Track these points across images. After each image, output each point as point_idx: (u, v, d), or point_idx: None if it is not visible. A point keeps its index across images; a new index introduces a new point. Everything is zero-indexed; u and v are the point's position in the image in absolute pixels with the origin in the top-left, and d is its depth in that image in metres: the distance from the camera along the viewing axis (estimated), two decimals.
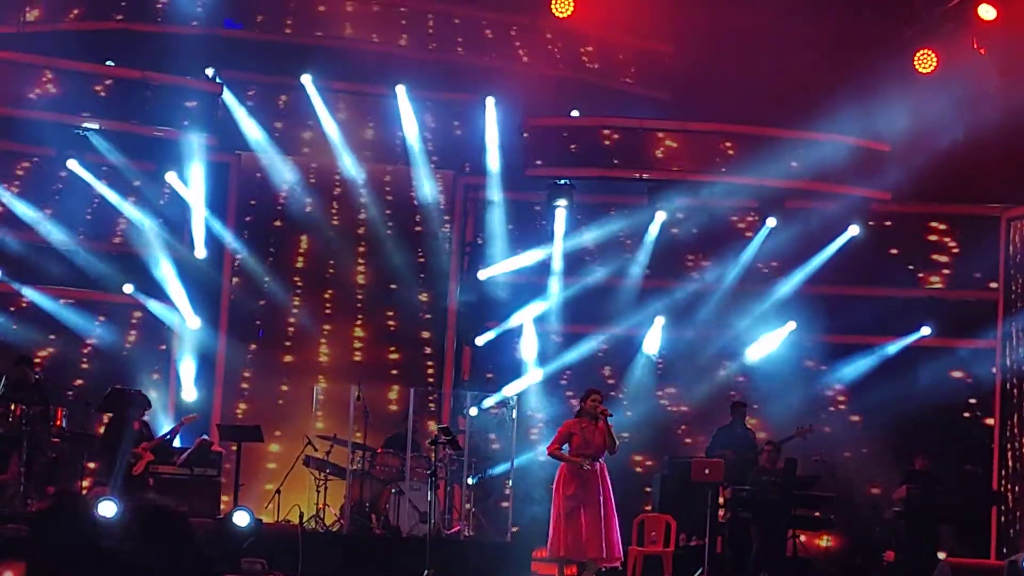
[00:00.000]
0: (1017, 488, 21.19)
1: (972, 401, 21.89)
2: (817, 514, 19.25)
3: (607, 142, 22.30)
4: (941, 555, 18.45)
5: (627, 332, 22.15)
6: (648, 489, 21.27)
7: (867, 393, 21.68)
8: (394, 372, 22.17)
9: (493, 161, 22.16)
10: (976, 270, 22.20)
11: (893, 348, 21.92)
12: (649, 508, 20.41)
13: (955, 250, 22.37)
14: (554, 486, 16.19)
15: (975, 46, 21.37)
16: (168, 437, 19.37)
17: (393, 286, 22.25)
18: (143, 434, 18.88)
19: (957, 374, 21.91)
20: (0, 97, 21.03)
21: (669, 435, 22.03)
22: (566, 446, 16.16)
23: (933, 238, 22.48)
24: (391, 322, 22.34)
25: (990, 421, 21.75)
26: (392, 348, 22.34)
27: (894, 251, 22.41)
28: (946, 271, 22.34)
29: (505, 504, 20.24)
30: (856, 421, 21.88)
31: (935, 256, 22.39)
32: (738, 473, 18.94)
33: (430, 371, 22.32)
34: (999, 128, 20.29)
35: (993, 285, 22.09)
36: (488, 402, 21.45)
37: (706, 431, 21.40)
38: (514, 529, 19.76)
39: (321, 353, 22.13)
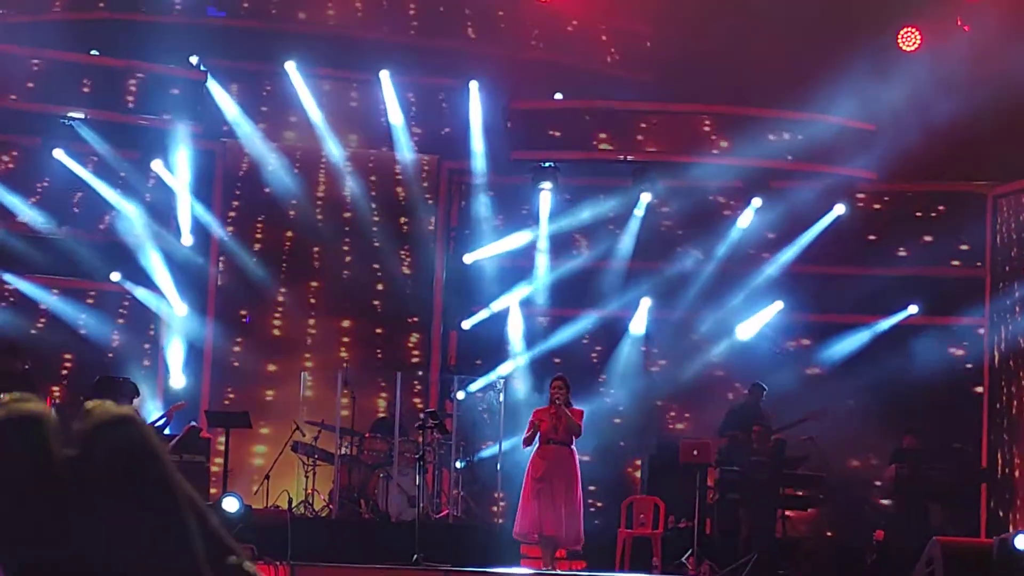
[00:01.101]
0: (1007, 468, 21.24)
1: (967, 365, 21.90)
2: (804, 493, 19.32)
3: (591, 124, 22.27)
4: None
5: (614, 314, 22.15)
6: (637, 472, 21.31)
7: (855, 372, 21.67)
8: (379, 355, 22.22)
9: (477, 145, 22.15)
10: (963, 248, 22.19)
11: (881, 327, 21.92)
12: (638, 490, 20.46)
13: (942, 228, 22.33)
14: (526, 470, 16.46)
15: (959, 23, 21.36)
16: (158, 424, 19.39)
17: (378, 271, 22.27)
18: None
19: (951, 351, 21.92)
20: None
21: (657, 417, 22.04)
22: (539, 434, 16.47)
23: (919, 216, 22.47)
24: (377, 307, 22.33)
25: (979, 388, 21.79)
26: (378, 332, 22.36)
27: (880, 229, 22.41)
28: (933, 249, 22.30)
29: (500, 499, 20.24)
30: (844, 401, 21.83)
31: (922, 234, 22.35)
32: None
33: (416, 356, 22.35)
34: (984, 106, 20.26)
35: (979, 263, 22.09)
36: (475, 386, 21.48)
37: (694, 412, 21.46)
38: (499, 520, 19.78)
39: (307, 340, 22.13)
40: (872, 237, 22.38)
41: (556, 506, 16.08)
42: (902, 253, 22.22)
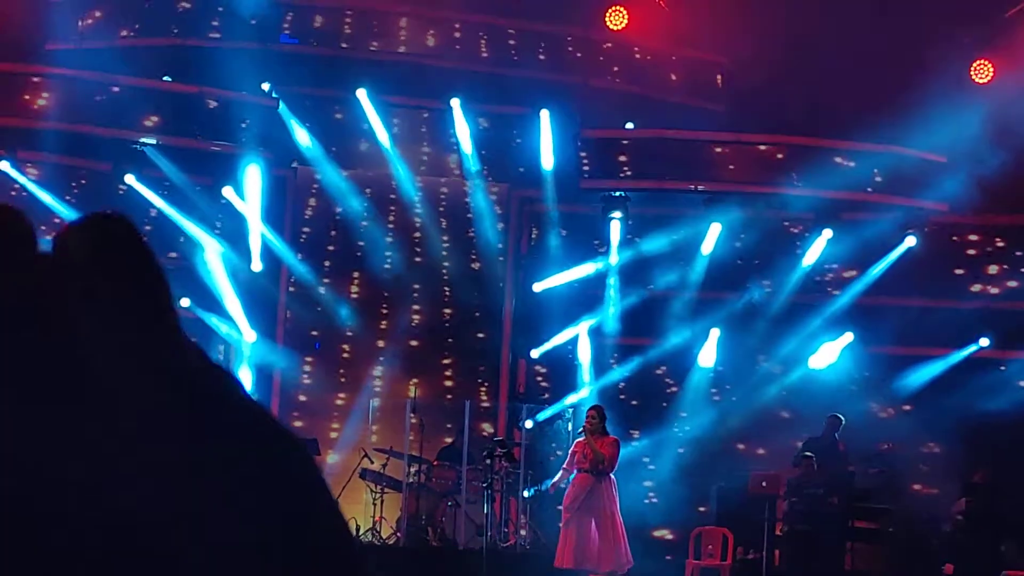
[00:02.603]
0: None
1: None
2: (873, 525, 19.18)
3: (662, 154, 22.25)
4: None
5: (683, 344, 22.07)
6: (706, 502, 21.21)
7: (925, 405, 21.52)
8: (449, 386, 22.22)
9: (548, 173, 22.12)
10: None
11: (952, 360, 21.76)
12: (707, 521, 20.35)
13: (1013, 260, 22.21)
14: None
15: None
16: None
17: (448, 298, 22.28)
18: None
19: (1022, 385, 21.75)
20: (58, 112, 21.16)
21: (725, 448, 21.92)
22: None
23: (991, 248, 22.35)
24: (446, 334, 22.35)
25: None
26: (447, 360, 22.37)
27: (952, 262, 22.30)
28: (1004, 282, 22.17)
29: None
30: (914, 433, 21.70)
31: (993, 267, 22.23)
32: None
33: (485, 385, 22.34)
34: None
35: None
36: (544, 415, 21.44)
37: (764, 443, 21.35)
38: None
39: (376, 368, 22.14)
40: (943, 269, 22.23)
41: (590, 535, 16.11)
42: (973, 286, 22.10)
